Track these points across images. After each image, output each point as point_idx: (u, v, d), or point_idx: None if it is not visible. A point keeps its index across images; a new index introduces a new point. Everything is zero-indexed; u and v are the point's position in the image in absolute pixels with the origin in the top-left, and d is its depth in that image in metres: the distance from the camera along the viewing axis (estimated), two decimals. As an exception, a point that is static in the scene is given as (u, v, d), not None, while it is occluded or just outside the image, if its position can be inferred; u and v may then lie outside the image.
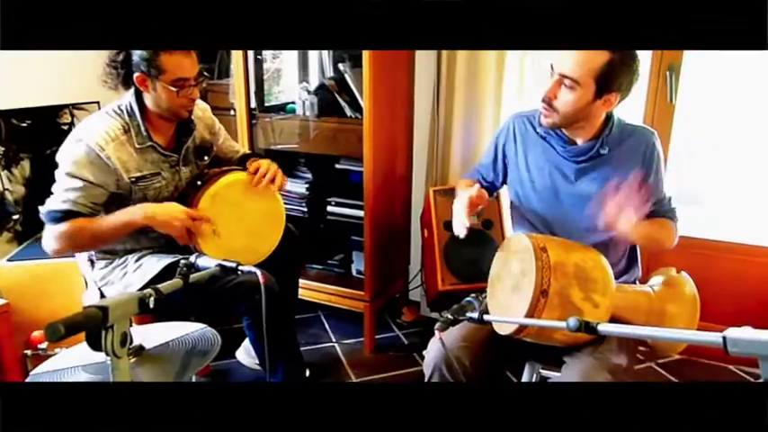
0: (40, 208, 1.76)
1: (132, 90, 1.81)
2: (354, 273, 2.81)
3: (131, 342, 1.09)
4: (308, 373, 2.37)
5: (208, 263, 1.31)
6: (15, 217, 1.27)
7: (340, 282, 2.74)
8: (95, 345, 0.86)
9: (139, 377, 1.05)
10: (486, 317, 1.19)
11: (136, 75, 1.75)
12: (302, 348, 2.59)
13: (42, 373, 1.10)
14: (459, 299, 2.45)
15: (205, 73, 1.86)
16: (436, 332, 1.19)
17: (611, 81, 1.49)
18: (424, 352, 1.59)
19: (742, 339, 0.78)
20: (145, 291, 0.96)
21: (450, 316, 1.22)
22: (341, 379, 2.48)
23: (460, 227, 1.63)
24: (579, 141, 1.63)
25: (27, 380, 1.09)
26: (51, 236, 1.74)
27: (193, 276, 1.18)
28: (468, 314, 1.21)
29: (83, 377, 1.06)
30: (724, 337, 0.79)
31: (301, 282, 2.57)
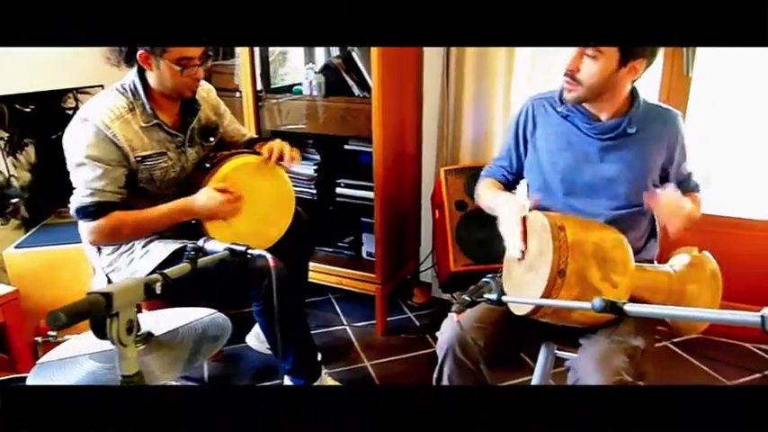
0: (69, 205, 1.75)
1: (135, 68, 1.77)
2: (365, 255, 2.78)
3: (139, 329, 1.06)
4: (319, 356, 2.34)
5: (217, 247, 1.28)
6: (14, 200, 1.23)
7: (350, 264, 2.70)
8: (100, 333, 0.83)
9: (148, 365, 1.01)
10: (504, 298, 1.15)
11: (139, 52, 1.71)
12: (313, 332, 2.57)
13: (49, 362, 1.07)
14: (471, 279, 2.43)
15: (210, 53, 1.81)
16: (453, 314, 1.15)
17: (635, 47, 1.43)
18: (438, 333, 1.56)
19: (783, 318, 0.74)
20: (151, 276, 0.93)
21: (467, 297, 1.18)
22: (353, 362, 2.46)
23: (516, 250, 1.50)
24: (603, 117, 1.58)
25: (33, 369, 1.06)
26: (89, 231, 1.75)
27: (202, 260, 1.14)
28: (486, 295, 1.17)
29: (91, 366, 1.04)
30: (763, 317, 0.75)
31: (311, 265, 2.55)
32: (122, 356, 0.85)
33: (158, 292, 0.91)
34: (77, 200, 1.72)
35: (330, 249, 2.83)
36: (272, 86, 2.77)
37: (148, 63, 1.73)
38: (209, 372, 2.40)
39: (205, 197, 1.80)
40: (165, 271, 0.97)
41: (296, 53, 2.93)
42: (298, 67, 2.93)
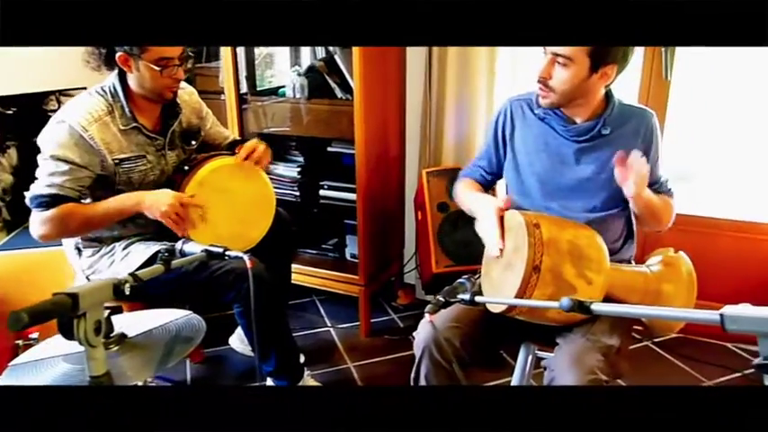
0: (26, 194, 1.73)
1: (116, 71, 1.78)
2: (348, 257, 2.78)
3: (112, 331, 1.07)
4: (302, 358, 2.35)
5: (194, 248, 1.28)
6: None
7: (334, 266, 2.71)
8: (68, 333, 0.83)
9: (121, 366, 1.01)
10: (477, 298, 1.16)
11: (118, 54, 1.71)
12: (297, 334, 2.58)
13: (22, 364, 1.07)
14: (453, 281, 2.45)
15: (191, 53, 1.81)
16: (426, 314, 1.16)
17: (604, 53, 1.45)
18: (414, 333, 1.57)
19: (740, 317, 0.75)
20: (121, 277, 0.93)
21: (441, 298, 1.19)
22: (336, 364, 2.46)
23: (494, 248, 1.49)
24: (579, 120, 1.59)
25: (5, 371, 1.06)
26: (39, 221, 1.71)
27: (176, 262, 1.14)
28: (460, 295, 1.18)
29: (63, 368, 1.04)
30: (722, 315, 0.76)
31: (295, 266, 2.55)
32: (90, 357, 0.85)
33: (127, 293, 0.92)
34: (34, 188, 1.71)
35: (314, 251, 2.84)
36: (259, 89, 2.77)
37: (128, 65, 1.73)
38: (191, 374, 2.40)
39: (160, 194, 1.77)
40: (137, 272, 0.97)
41: (283, 55, 2.93)
42: (285, 69, 2.93)
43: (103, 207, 1.76)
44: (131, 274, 0.95)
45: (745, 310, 0.75)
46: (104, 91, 1.79)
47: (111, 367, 0.97)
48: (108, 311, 1.08)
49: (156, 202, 1.75)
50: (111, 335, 1.06)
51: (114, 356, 1.04)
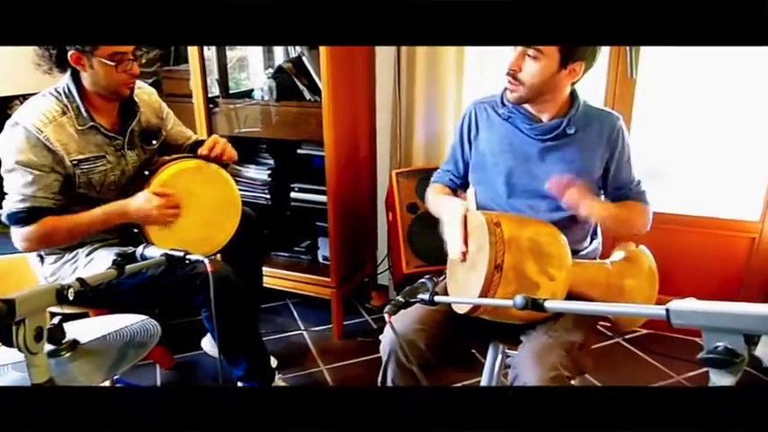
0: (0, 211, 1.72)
1: (69, 72, 1.75)
2: (321, 259, 2.77)
3: (64, 337, 1.05)
4: (275, 363, 2.33)
5: (154, 253, 1.26)
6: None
7: (306, 269, 2.70)
8: (7, 340, 0.82)
9: (72, 373, 1.00)
10: (436, 298, 1.16)
11: (70, 53, 1.68)
12: (270, 337, 2.57)
13: (-31, 373, 1.04)
14: (423, 282, 2.44)
15: (144, 49, 1.79)
16: (386, 315, 1.15)
17: (574, 49, 1.46)
18: (381, 336, 1.56)
19: (685, 311, 0.75)
20: (65, 282, 0.91)
21: (401, 298, 1.18)
22: (309, 367, 2.45)
23: (457, 251, 1.48)
24: (544, 119, 1.60)
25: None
26: (24, 238, 1.71)
27: (130, 267, 1.12)
28: (420, 296, 1.17)
29: (13, 376, 1.01)
30: (667, 310, 0.76)
31: (268, 270, 2.54)
32: (31, 364, 0.83)
33: (71, 298, 0.90)
34: (9, 205, 1.69)
35: (287, 254, 2.82)
36: (232, 91, 2.74)
37: (81, 63, 1.70)
38: (161, 380, 2.36)
39: (141, 200, 1.77)
40: (84, 277, 0.95)
41: (256, 57, 2.90)
42: (259, 71, 2.90)
43: (88, 218, 1.75)
44: (78, 279, 0.93)
45: (690, 304, 0.76)
46: (58, 92, 1.76)
47: (61, 374, 0.95)
48: (59, 317, 1.07)
49: (140, 207, 1.76)
50: (63, 341, 1.04)
51: (65, 363, 1.02)
